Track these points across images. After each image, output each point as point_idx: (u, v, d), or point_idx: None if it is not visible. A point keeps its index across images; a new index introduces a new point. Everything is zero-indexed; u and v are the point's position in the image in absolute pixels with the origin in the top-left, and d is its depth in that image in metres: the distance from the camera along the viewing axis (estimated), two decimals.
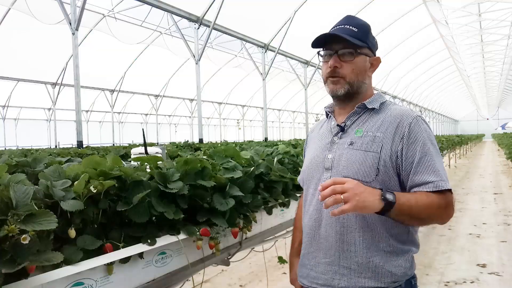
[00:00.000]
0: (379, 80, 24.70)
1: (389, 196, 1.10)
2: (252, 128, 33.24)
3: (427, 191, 1.16)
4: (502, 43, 23.49)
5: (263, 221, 2.10)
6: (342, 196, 1.03)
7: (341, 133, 1.30)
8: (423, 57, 24.28)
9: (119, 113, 22.81)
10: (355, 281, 1.20)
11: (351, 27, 1.27)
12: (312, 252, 1.29)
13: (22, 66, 15.15)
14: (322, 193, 1.06)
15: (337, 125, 1.31)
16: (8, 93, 17.29)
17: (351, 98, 1.31)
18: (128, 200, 1.37)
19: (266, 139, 13.99)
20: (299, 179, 1.49)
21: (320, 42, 1.30)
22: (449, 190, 1.17)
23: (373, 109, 1.29)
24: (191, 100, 24.20)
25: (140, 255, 1.37)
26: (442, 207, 1.16)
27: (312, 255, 1.29)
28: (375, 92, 1.36)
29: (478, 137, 47.64)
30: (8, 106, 18.24)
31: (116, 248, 1.29)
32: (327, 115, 1.42)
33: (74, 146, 10.50)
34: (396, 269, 1.21)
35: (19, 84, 16.66)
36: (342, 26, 1.29)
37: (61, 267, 1.13)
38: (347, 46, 1.26)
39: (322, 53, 1.32)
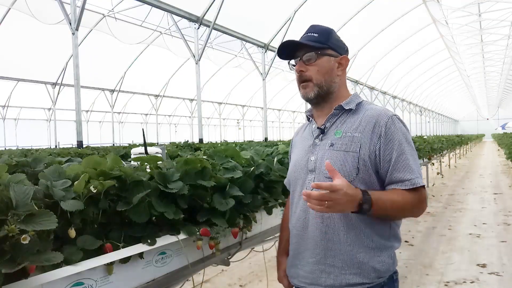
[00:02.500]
0: (379, 80, 24.72)
1: (366, 207, 1.15)
2: (252, 128, 33.24)
3: (403, 189, 1.22)
4: (502, 43, 23.50)
5: (263, 221, 2.10)
6: (326, 203, 1.09)
7: (321, 135, 1.34)
8: (423, 57, 24.29)
9: (119, 113, 22.81)
10: (341, 278, 1.24)
11: (312, 34, 1.34)
12: (301, 252, 1.33)
13: (22, 66, 15.16)
14: (311, 194, 1.09)
15: (318, 127, 1.36)
16: (8, 93, 17.31)
17: (325, 99, 1.35)
18: (128, 200, 1.36)
19: (266, 139, 13.99)
20: (286, 181, 1.54)
21: (286, 53, 1.37)
22: (423, 186, 1.24)
23: (350, 110, 1.34)
24: (191, 100, 24.21)
25: (140, 255, 1.37)
26: (415, 205, 1.24)
27: (301, 255, 1.34)
28: (352, 93, 1.41)
29: (478, 137, 47.67)
30: (8, 106, 18.26)
31: (116, 248, 1.28)
32: (308, 119, 1.46)
33: (74, 146, 10.50)
34: (379, 265, 1.26)
35: (19, 84, 16.67)
36: (305, 35, 1.36)
37: (61, 267, 1.13)
38: (308, 50, 1.32)
39: (292, 62, 1.39)
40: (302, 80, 1.34)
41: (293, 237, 1.38)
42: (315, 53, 1.32)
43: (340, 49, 1.37)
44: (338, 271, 1.24)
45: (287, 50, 1.36)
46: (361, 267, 1.24)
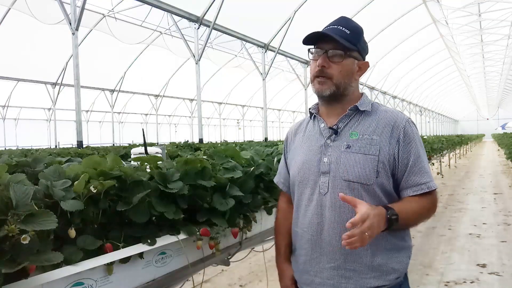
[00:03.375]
0: (379, 80, 24.70)
1: (394, 218, 1.16)
2: (252, 128, 33.24)
3: (417, 196, 1.24)
4: (502, 43, 23.47)
5: (263, 221, 2.10)
6: (366, 234, 1.06)
7: (334, 135, 1.29)
8: (423, 57, 24.28)
9: (119, 113, 22.81)
10: (361, 283, 1.22)
11: (344, 29, 1.27)
12: (315, 258, 1.28)
13: (22, 66, 15.16)
14: (353, 237, 1.05)
15: (329, 127, 1.30)
16: (8, 93, 17.31)
17: (337, 99, 1.31)
18: (128, 200, 1.36)
19: (266, 139, 13.99)
20: (280, 181, 1.50)
21: (312, 39, 1.29)
22: (435, 189, 1.27)
23: (364, 111, 1.31)
24: (191, 100, 24.20)
25: (140, 255, 1.37)
26: (430, 208, 1.27)
27: (315, 261, 1.28)
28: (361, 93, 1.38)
29: (478, 137, 47.68)
30: (8, 106, 18.26)
31: (116, 248, 1.28)
32: (311, 115, 1.40)
33: (74, 146, 10.50)
34: (399, 265, 1.26)
35: (19, 84, 16.67)
36: (336, 26, 1.28)
37: (61, 267, 1.13)
38: (337, 47, 1.26)
39: (312, 50, 1.31)
40: (321, 75, 1.28)
41: (304, 242, 1.32)
42: (343, 53, 1.26)
43: (364, 53, 1.33)
44: (359, 276, 1.22)
45: (312, 37, 1.28)
46: (381, 269, 1.23)
